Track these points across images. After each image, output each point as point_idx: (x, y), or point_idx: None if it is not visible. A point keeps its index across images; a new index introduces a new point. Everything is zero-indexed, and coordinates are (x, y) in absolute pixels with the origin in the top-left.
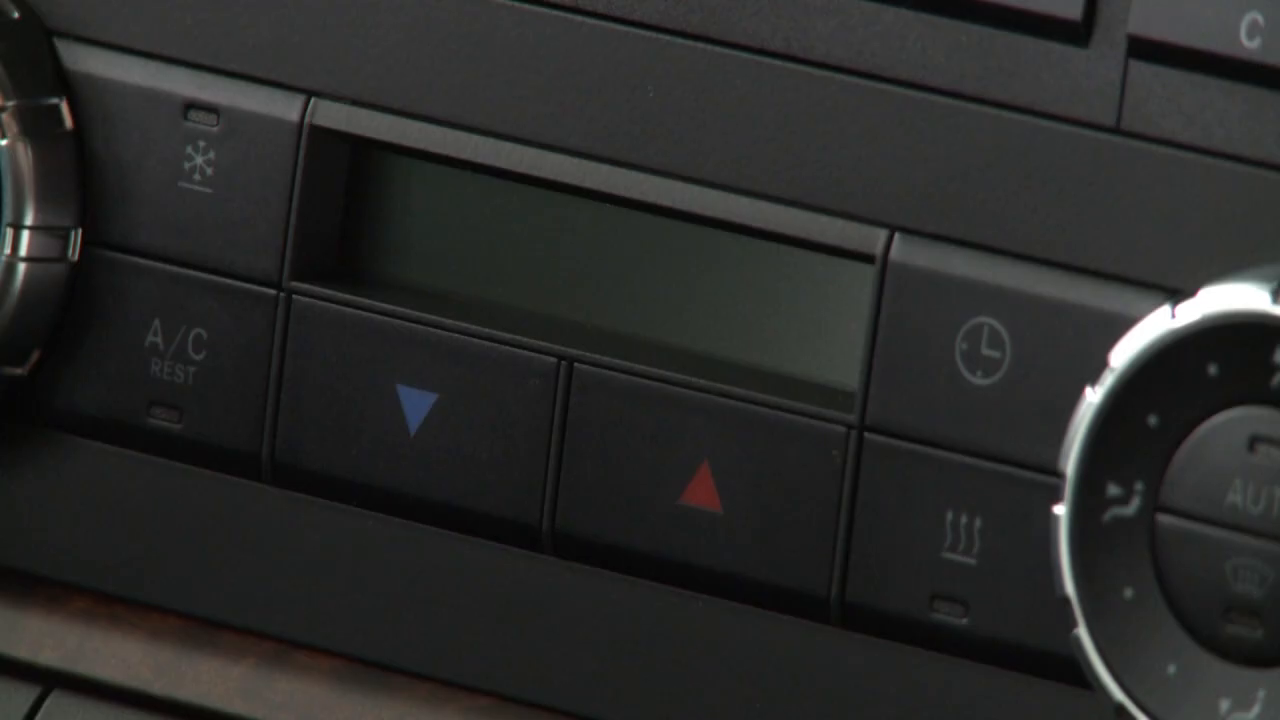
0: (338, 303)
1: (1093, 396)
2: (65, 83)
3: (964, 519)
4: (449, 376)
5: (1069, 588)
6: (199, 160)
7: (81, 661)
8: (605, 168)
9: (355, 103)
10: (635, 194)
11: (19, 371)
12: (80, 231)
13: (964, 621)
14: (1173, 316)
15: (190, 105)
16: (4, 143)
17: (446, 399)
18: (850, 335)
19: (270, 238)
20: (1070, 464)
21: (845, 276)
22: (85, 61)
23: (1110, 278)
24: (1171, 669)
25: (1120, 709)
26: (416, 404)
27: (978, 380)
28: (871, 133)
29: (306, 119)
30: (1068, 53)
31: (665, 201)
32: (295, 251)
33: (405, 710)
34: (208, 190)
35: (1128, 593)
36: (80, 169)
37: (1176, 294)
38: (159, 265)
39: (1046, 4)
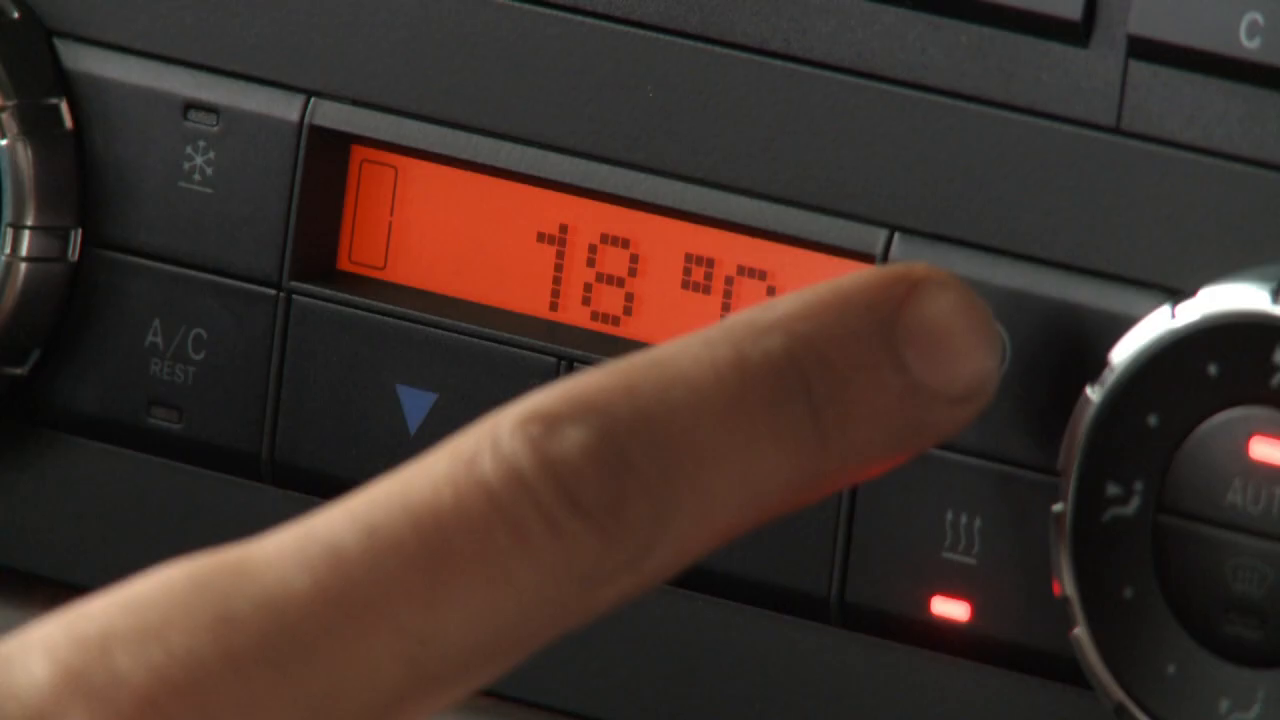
0: (338, 303)
1: (1093, 396)
2: (65, 83)
3: (964, 519)
4: (449, 376)
5: (1069, 587)
6: (199, 160)
7: None
8: (605, 168)
9: (355, 103)
10: (635, 194)
11: (19, 371)
12: (80, 231)
13: (964, 621)
14: (1173, 316)
15: (190, 105)
16: (4, 143)
17: (446, 399)
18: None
19: (270, 238)
20: (1070, 464)
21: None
22: (85, 61)
23: (1110, 278)
24: (1171, 669)
25: (1120, 709)
26: (416, 404)
27: None
28: (871, 133)
29: (306, 119)
30: (1068, 53)
31: (665, 201)
32: (295, 251)
33: None
34: (208, 190)
35: (1128, 592)
36: (80, 169)
37: (1176, 294)
38: (159, 265)
39: (1046, 4)
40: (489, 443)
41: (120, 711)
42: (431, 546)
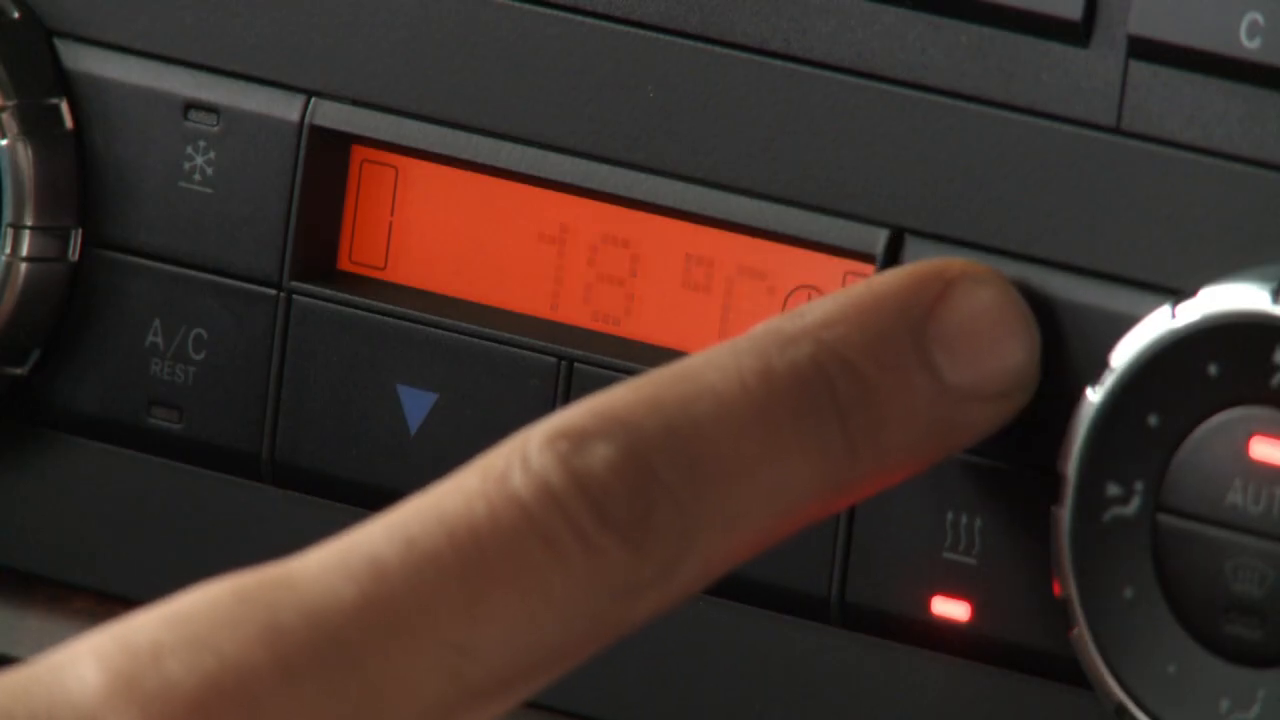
0: (338, 303)
1: (1093, 396)
2: (65, 83)
3: (964, 519)
4: (449, 376)
5: (1069, 588)
6: (199, 160)
7: None
8: (605, 168)
9: (355, 103)
10: (635, 194)
11: (19, 371)
12: (80, 231)
13: (964, 621)
14: (1173, 316)
15: (190, 105)
16: (4, 143)
17: (446, 399)
18: None
19: (270, 238)
20: (1070, 464)
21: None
22: (85, 61)
23: (1110, 278)
24: (1171, 669)
25: (1120, 709)
26: (416, 404)
27: None
28: (871, 133)
29: (306, 119)
30: (1068, 53)
31: (665, 201)
32: (295, 251)
33: None
34: (208, 190)
35: (1128, 593)
36: (80, 169)
37: (1176, 294)
38: (159, 265)
39: (1046, 4)
40: (518, 459)
41: (172, 715)
42: (468, 558)
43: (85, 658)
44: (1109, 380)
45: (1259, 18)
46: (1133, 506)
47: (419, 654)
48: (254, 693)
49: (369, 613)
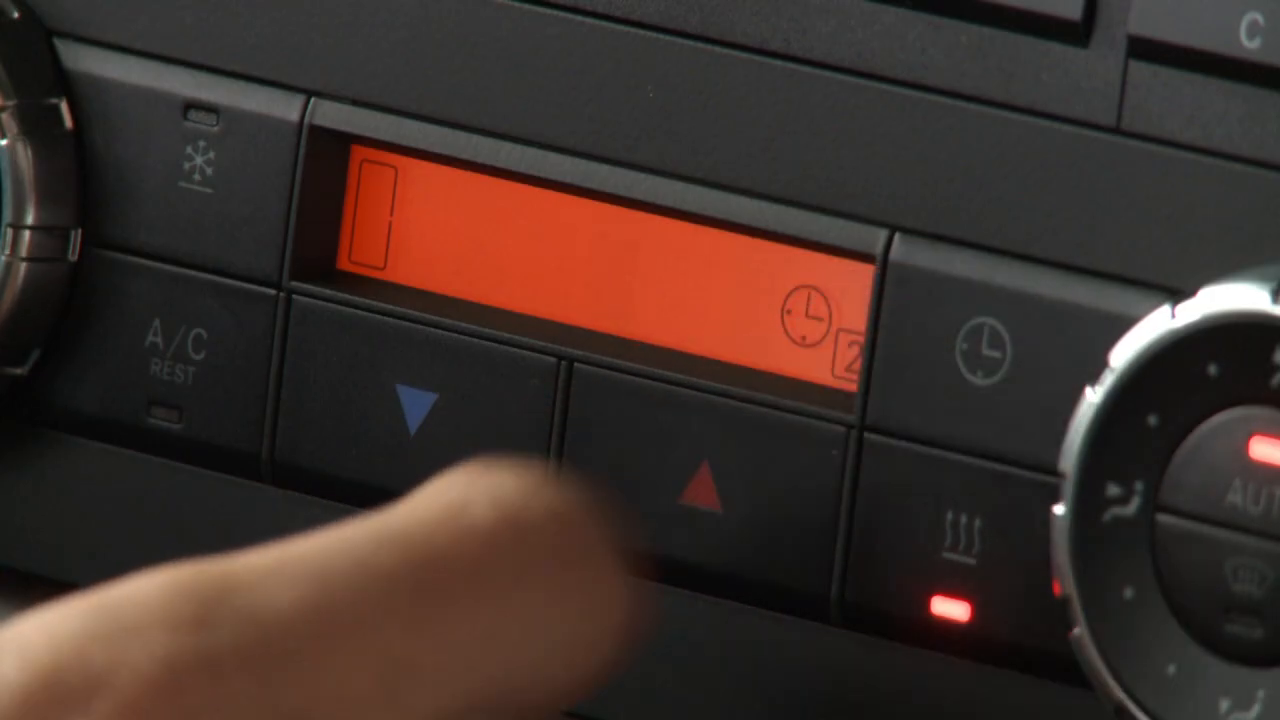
0: (338, 303)
1: (1093, 396)
2: (65, 83)
3: (964, 519)
4: (449, 376)
5: (1069, 588)
6: (199, 160)
7: None
8: (605, 168)
9: (355, 103)
10: (635, 194)
11: (19, 371)
12: (80, 231)
13: (964, 621)
14: (1173, 316)
15: (190, 105)
16: (4, 143)
17: (446, 399)
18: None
19: (270, 238)
20: (1070, 464)
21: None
22: (85, 61)
23: (1110, 278)
24: (1171, 669)
25: (1120, 709)
26: (416, 404)
27: (978, 380)
28: (871, 133)
29: (306, 119)
30: (1068, 53)
31: (665, 201)
32: (295, 251)
33: None
34: (208, 190)
35: (1128, 593)
36: (80, 169)
37: (1176, 294)
38: (159, 265)
39: (1046, 4)
40: None
41: (96, 713)
42: (419, 575)
43: (7, 650)
44: (1109, 380)
45: (1259, 18)
46: (1133, 506)
47: (353, 662)
48: (181, 688)
49: (305, 620)
